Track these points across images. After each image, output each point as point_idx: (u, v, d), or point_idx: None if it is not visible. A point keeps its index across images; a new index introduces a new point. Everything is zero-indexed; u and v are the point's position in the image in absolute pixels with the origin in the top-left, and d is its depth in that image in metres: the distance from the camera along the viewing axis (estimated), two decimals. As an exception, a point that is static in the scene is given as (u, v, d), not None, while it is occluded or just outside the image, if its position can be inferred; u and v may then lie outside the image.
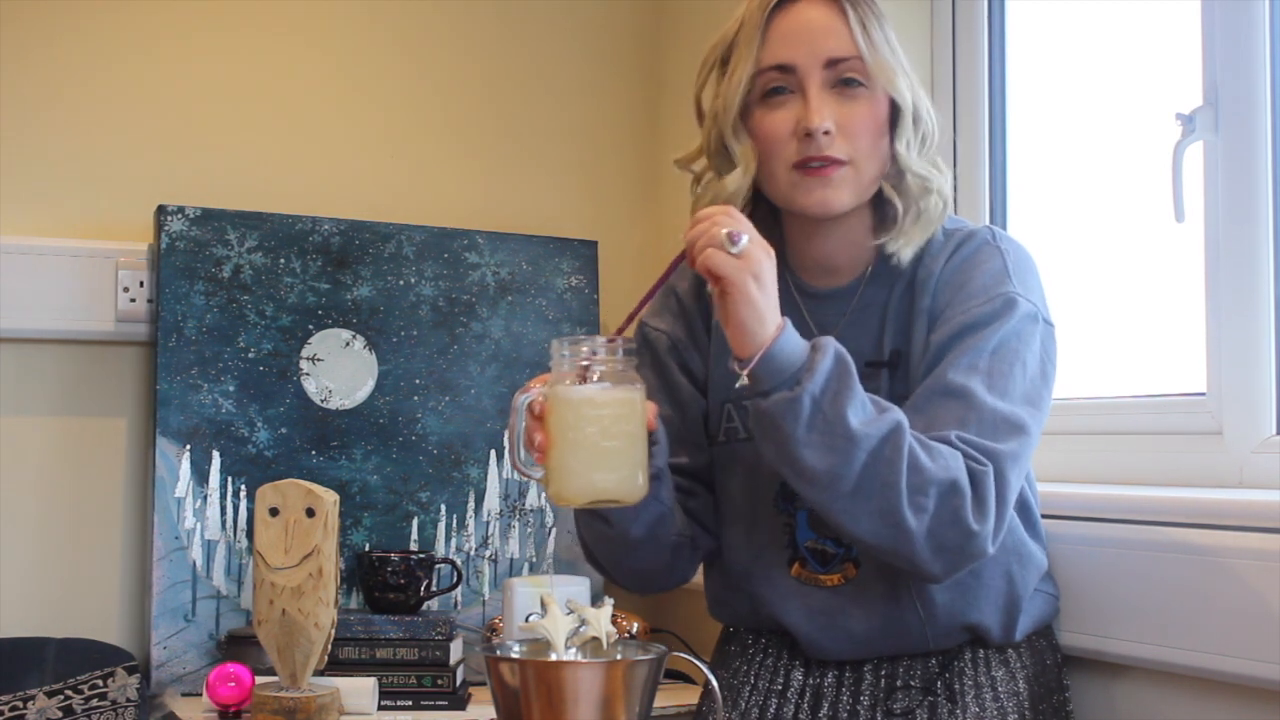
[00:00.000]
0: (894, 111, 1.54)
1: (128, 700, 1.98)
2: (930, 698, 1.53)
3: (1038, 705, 1.58)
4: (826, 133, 1.50)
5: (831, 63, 1.51)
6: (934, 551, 1.41)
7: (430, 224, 2.38)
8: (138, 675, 2.01)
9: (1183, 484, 1.76)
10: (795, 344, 1.38)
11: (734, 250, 1.34)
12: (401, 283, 2.33)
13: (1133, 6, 2.01)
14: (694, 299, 1.68)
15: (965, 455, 1.41)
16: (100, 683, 1.98)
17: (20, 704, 1.93)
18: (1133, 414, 1.90)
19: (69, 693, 1.95)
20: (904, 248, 1.55)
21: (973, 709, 1.53)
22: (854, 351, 1.54)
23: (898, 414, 1.41)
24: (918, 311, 1.54)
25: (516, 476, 2.36)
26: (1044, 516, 1.66)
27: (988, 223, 2.19)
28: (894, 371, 1.55)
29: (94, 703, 1.96)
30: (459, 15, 2.51)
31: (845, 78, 1.52)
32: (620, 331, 1.43)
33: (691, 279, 1.68)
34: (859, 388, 1.39)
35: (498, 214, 2.49)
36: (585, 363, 1.35)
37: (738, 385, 1.38)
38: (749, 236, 1.36)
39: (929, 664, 1.56)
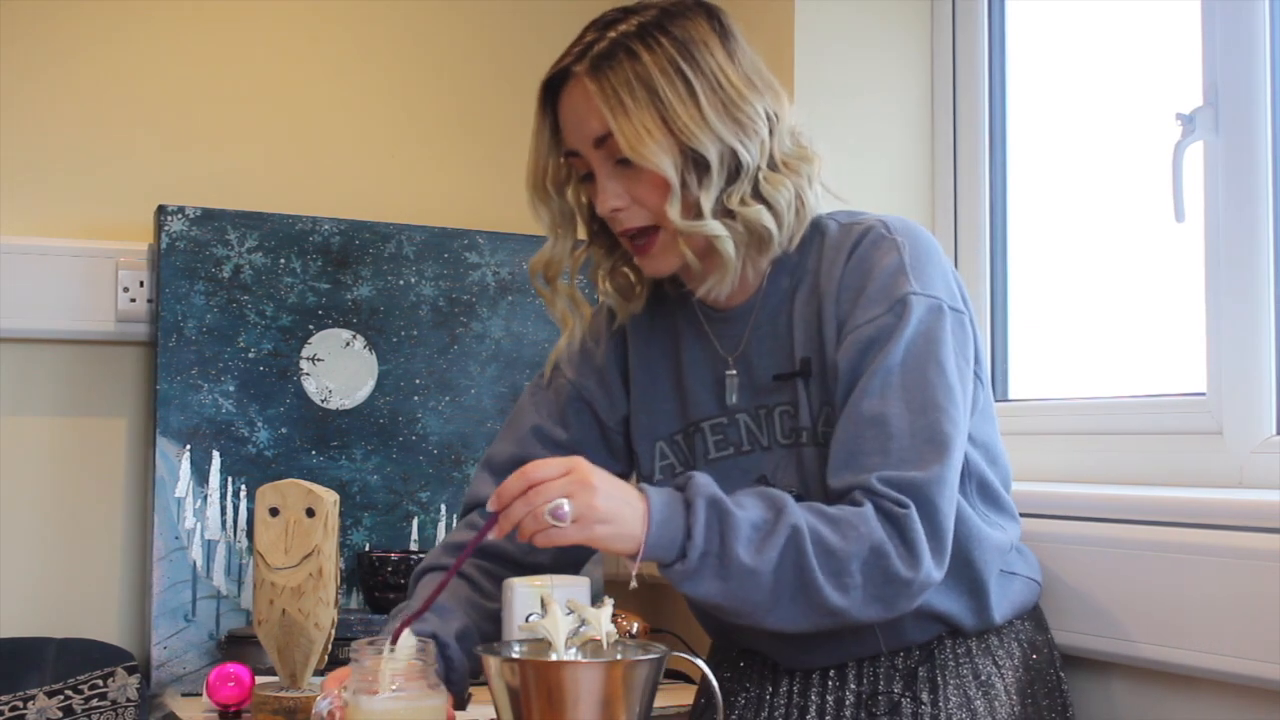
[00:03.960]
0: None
1: (128, 700, 1.98)
2: (913, 690, 1.53)
3: (1028, 691, 1.58)
4: (617, 210, 1.53)
5: (599, 142, 1.52)
6: (877, 609, 1.44)
7: (430, 224, 2.37)
8: (138, 675, 2.01)
9: (1182, 484, 1.76)
10: (666, 517, 1.39)
11: (565, 523, 1.35)
12: (401, 283, 2.33)
13: (1133, 6, 2.01)
14: (605, 345, 1.70)
15: (879, 506, 1.42)
16: (100, 683, 1.98)
17: (20, 704, 1.93)
18: (1133, 414, 1.90)
19: (69, 693, 1.95)
20: (712, 289, 1.55)
21: (955, 699, 1.52)
22: (766, 366, 1.57)
23: (789, 514, 1.41)
24: (826, 319, 1.53)
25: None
26: (1043, 516, 1.66)
27: (987, 224, 2.20)
28: (807, 380, 1.54)
29: (94, 703, 1.96)
30: (460, 15, 2.51)
31: (617, 159, 1.51)
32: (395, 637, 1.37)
33: (602, 326, 1.70)
34: (740, 518, 1.40)
35: (498, 214, 2.48)
36: (385, 668, 1.34)
37: (630, 587, 1.42)
38: (567, 501, 1.35)
39: (911, 657, 1.56)
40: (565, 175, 1.60)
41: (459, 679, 1.54)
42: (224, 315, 2.22)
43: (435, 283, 2.35)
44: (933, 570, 1.43)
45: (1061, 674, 1.63)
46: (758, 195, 1.52)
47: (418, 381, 2.33)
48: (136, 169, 2.29)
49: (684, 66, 1.49)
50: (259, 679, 1.87)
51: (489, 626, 1.59)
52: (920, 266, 1.52)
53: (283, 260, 2.27)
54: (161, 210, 2.21)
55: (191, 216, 2.22)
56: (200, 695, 2.00)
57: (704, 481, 1.42)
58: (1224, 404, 1.75)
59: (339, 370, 2.29)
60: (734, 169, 1.51)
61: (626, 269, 1.67)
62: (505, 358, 2.38)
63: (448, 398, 2.34)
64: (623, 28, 1.52)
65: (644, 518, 1.38)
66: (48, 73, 2.25)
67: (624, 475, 1.70)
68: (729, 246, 1.52)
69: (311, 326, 2.28)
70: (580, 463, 1.38)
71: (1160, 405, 1.87)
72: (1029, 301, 2.15)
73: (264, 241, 2.26)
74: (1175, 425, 1.82)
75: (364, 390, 2.31)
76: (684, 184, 1.50)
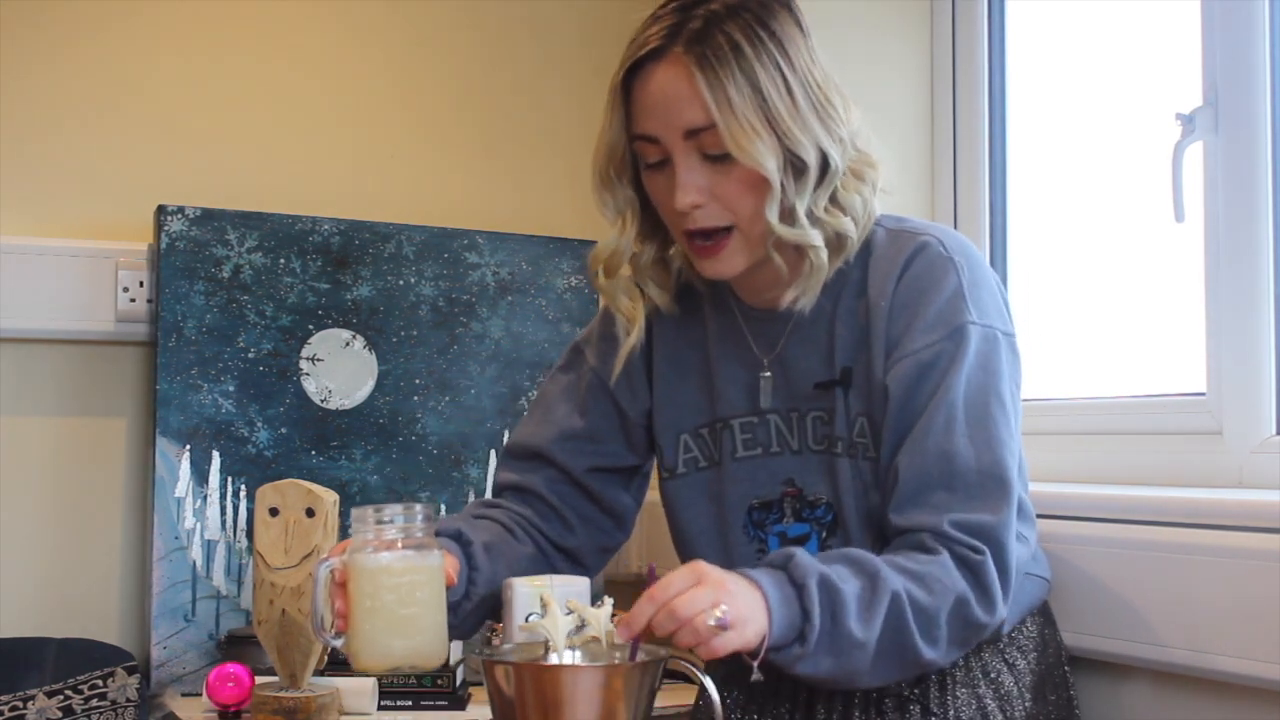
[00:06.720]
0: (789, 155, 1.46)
1: (128, 700, 1.98)
2: (921, 690, 1.52)
3: (1038, 687, 1.58)
4: (697, 206, 1.46)
5: (691, 133, 1.44)
6: (956, 652, 1.45)
7: (430, 224, 2.38)
8: (138, 675, 2.01)
9: (1182, 484, 1.76)
10: (783, 601, 1.35)
11: (731, 629, 1.28)
12: (401, 283, 2.33)
13: (1133, 6, 2.01)
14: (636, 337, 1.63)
15: (955, 553, 1.42)
16: (100, 683, 1.98)
17: (20, 704, 1.93)
18: (1133, 414, 1.90)
19: (69, 693, 1.95)
20: (800, 298, 1.51)
21: (963, 695, 1.52)
22: (803, 370, 1.55)
23: (886, 580, 1.38)
24: (875, 333, 1.50)
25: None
26: (1042, 516, 1.66)
27: (987, 224, 2.20)
28: (846, 389, 1.52)
29: (94, 703, 1.96)
30: (460, 15, 2.51)
31: (708, 153, 1.44)
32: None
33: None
34: (846, 593, 1.37)
35: (498, 214, 2.48)
36: (385, 530, 1.35)
37: (753, 679, 1.35)
38: (726, 607, 1.28)
39: None
40: (630, 161, 1.52)
41: (483, 581, 1.52)
42: (224, 315, 2.22)
43: (435, 283, 2.35)
44: (1001, 612, 1.44)
45: (1068, 669, 1.64)
46: (835, 202, 1.48)
47: (417, 381, 2.33)
48: (136, 169, 2.29)
49: (782, 63, 1.43)
50: (259, 679, 1.87)
51: (515, 559, 1.58)
52: (977, 291, 1.49)
53: (282, 260, 2.27)
54: (161, 210, 2.21)
55: (191, 216, 2.22)
56: (200, 695, 2.00)
57: (807, 560, 1.37)
58: (1224, 404, 1.75)
59: (339, 370, 2.29)
60: (821, 173, 1.47)
61: (665, 261, 1.61)
62: (505, 358, 2.38)
63: (447, 398, 2.34)
64: (713, 6, 1.45)
65: (764, 607, 1.33)
66: (48, 72, 2.25)
67: (642, 469, 1.70)
68: (823, 256, 1.48)
69: (311, 326, 2.28)
70: (704, 567, 1.32)
71: (1160, 405, 1.87)
72: (1029, 301, 2.15)
73: (264, 241, 2.26)
74: (1175, 425, 1.82)
75: (364, 390, 2.30)
76: (782, 186, 1.45)
